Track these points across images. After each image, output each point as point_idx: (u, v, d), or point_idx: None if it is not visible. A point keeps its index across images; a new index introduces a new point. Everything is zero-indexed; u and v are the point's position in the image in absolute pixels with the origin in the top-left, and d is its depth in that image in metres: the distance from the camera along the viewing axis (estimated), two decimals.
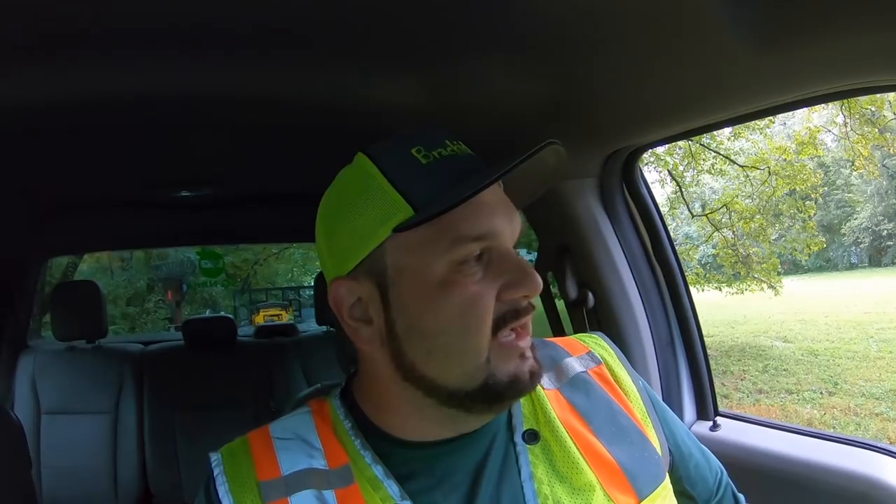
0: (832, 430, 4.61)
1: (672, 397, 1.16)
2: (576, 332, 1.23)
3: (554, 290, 1.33)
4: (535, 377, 0.51)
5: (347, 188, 0.52)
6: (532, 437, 0.54)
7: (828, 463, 0.89)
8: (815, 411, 5.06)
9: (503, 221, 0.51)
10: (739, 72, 0.73)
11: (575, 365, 0.60)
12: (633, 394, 0.60)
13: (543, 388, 0.57)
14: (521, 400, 0.56)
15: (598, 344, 0.64)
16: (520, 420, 0.55)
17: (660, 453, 0.58)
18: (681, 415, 1.14)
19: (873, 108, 6.08)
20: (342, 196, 0.53)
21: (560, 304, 1.31)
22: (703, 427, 1.12)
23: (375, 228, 0.49)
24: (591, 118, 0.97)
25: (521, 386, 0.50)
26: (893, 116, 6.24)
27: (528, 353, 0.51)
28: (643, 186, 1.15)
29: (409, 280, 0.49)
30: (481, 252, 0.50)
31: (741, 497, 0.67)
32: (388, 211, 0.49)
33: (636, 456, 0.55)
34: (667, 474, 0.57)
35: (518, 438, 0.54)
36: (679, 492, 0.60)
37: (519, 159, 0.47)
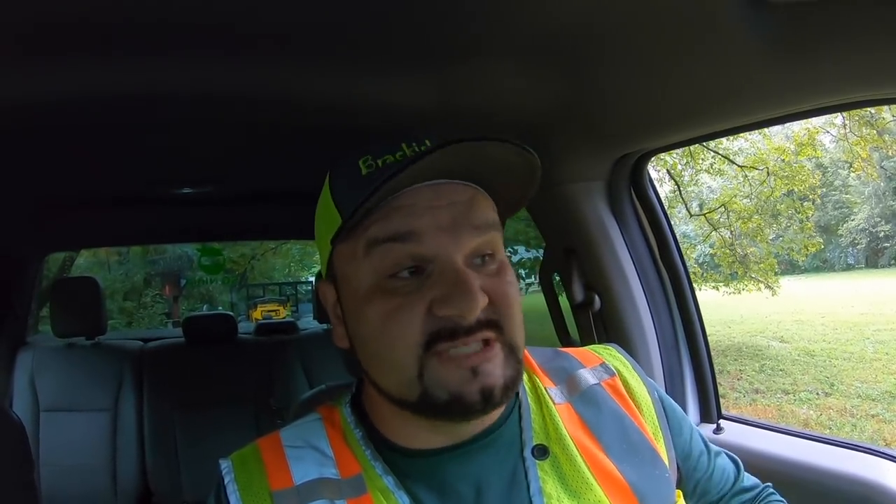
0: (828, 431, 4.63)
1: (676, 400, 1.15)
2: (581, 334, 1.23)
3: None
4: (490, 397, 0.46)
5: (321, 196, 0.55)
6: (541, 452, 0.53)
7: (830, 466, 0.89)
8: (812, 412, 5.08)
9: (432, 226, 0.47)
10: (754, 80, 0.72)
11: (588, 377, 0.59)
12: (646, 406, 0.60)
13: (555, 403, 0.57)
14: (533, 414, 0.55)
15: (611, 355, 0.64)
16: (529, 434, 0.54)
17: (669, 470, 0.57)
18: None
19: (872, 111, 6.08)
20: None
21: (564, 306, 1.31)
22: (707, 430, 1.12)
23: (325, 240, 0.52)
24: (601, 122, 0.96)
25: (467, 405, 0.46)
26: (892, 118, 6.25)
27: (484, 370, 0.46)
28: (651, 190, 1.14)
29: (346, 289, 0.52)
30: (417, 265, 0.48)
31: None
32: (330, 223, 0.51)
33: (646, 475, 0.54)
34: (677, 495, 0.56)
35: (528, 453, 0.53)
36: None
37: (408, 162, 0.44)
